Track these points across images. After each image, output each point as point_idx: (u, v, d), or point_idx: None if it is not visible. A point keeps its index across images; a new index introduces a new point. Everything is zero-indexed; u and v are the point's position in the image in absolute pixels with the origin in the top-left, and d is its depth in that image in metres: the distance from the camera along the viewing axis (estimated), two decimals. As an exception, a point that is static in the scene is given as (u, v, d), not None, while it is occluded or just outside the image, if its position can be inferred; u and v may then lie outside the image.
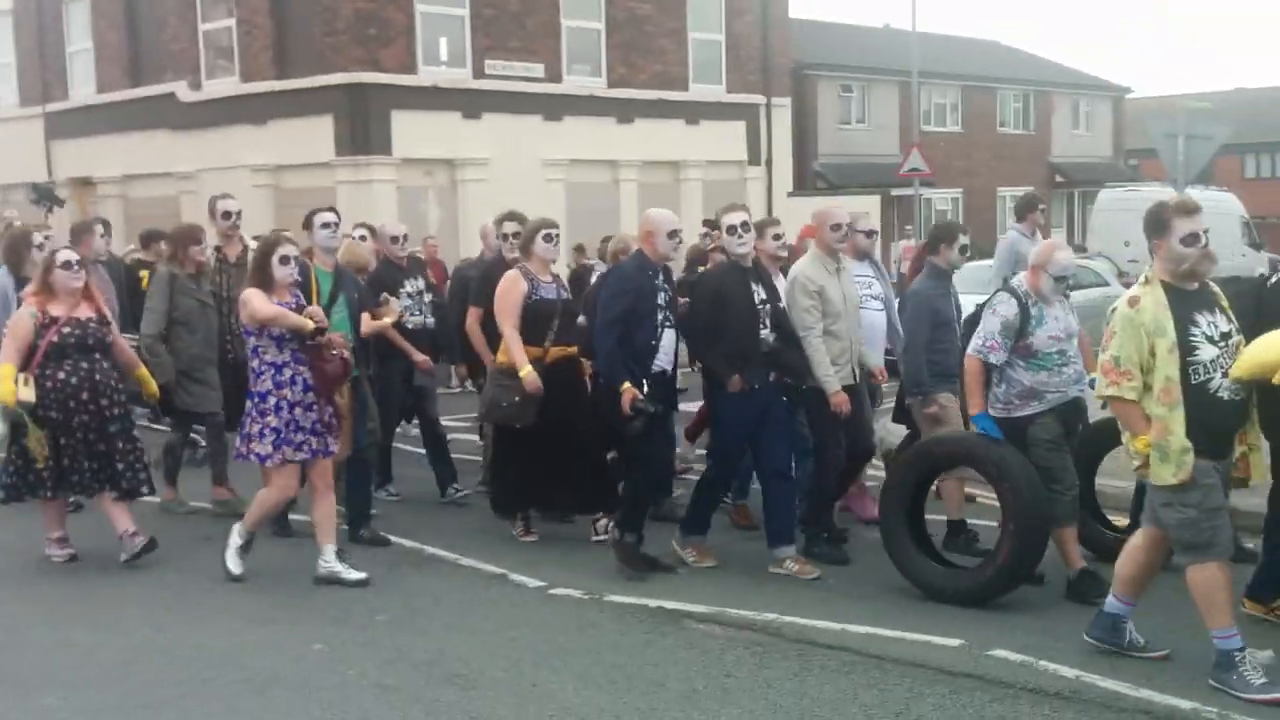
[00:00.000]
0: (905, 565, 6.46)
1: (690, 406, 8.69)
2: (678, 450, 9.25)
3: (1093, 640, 5.48)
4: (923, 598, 6.35)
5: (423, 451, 9.05)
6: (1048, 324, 6.28)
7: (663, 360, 6.80)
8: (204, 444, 8.56)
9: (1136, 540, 5.38)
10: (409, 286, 8.46)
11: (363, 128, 20.02)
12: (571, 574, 6.83)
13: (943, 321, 7.40)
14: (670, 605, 6.25)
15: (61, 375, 6.82)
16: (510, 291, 7.25)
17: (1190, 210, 5.15)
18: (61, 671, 5.46)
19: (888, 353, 7.82)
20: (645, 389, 6.57)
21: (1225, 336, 5.11)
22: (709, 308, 6.85)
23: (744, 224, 6.84)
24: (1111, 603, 5.44)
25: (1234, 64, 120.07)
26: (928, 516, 6.73)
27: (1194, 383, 5.00)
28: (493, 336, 7.62)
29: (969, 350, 6.37)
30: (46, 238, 8.65)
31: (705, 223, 10.43)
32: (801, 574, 6.77)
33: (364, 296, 7.68)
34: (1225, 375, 5.04)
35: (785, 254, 7.52)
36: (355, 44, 20.08)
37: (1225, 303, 5.25)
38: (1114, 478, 7.16)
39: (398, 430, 9.11)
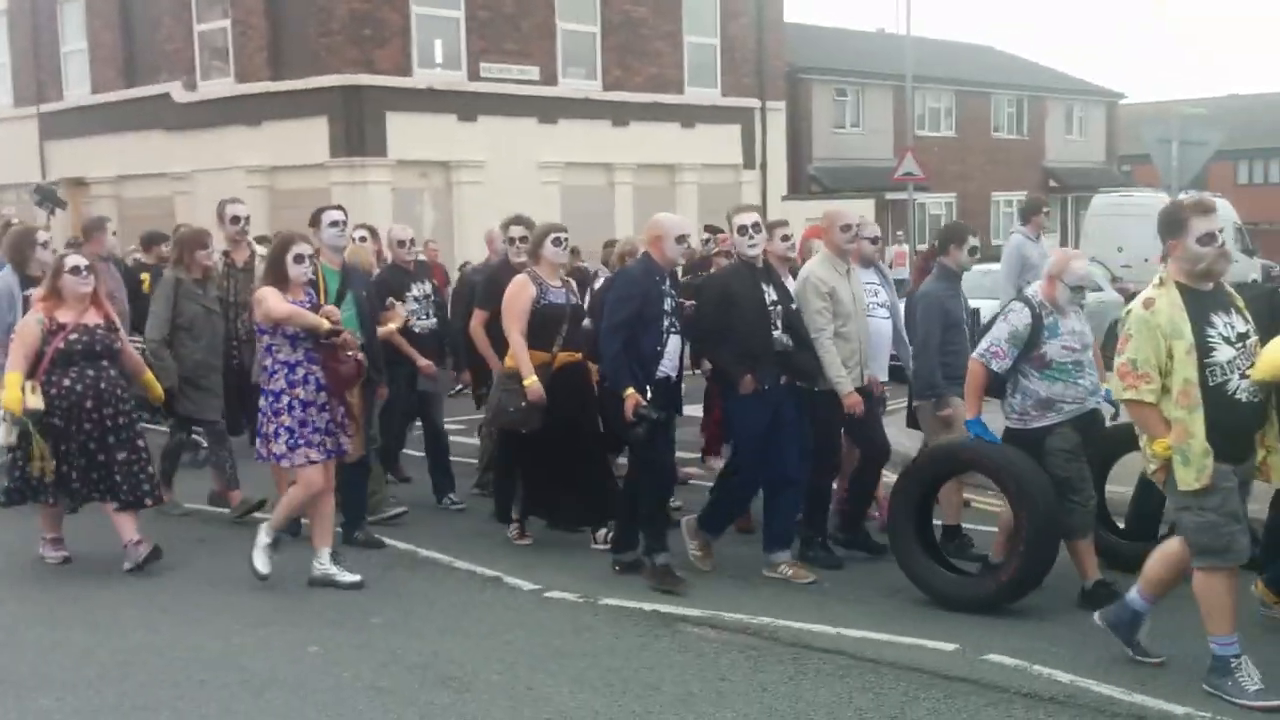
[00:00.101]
0: (914, 571, 6.43)
1: (693, 410, 8.68)
2: (698, 469, 9.29)
3: (1105, 624, 5.45)
4: (917, 601, 6.36)
5: (422, 454, 9.06)
6: (1062, 335, 6.21)
7: (667, 366, 6.75)
8: (205, 445, 8.53)
9: (1174, 546, 5.27)
10: (415, 290, 8.45)
11: (357, 129, 20.02)
12: (567, 577, 6.83)
13: (953, 323, 7.38)
14: (665, 609, 6.25)
15: (67, 383, 6.77)
16: (518, 296, 7.21)
17: (1207, 209, 5.08)
18: (58, 673, 5.45)
19: (893, 358, 7.79)
20: (649, 395, 6.54)
21: (1242, 337, 5.04)
22: (717, 308, 6.82)
23: (755, 224, 6.82)
24: (1135, 598, 5.38)
25: (1228, 70, 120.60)
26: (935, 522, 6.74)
27: (1212, 384, 4.93)
28: (498, 340, 7.57)
29: (973, 354, 6.34)
30: (44, 242, 8.63)
31: (707, 228, 10.42)
32: (796, 579, 6.78)
33: (371, 298, 7.67)
34: (1243, 376, 4.98)
35: (793, 254, 7.51)
36: (350, 45, 20.09)
37: (1241, 303, 5.19)
38: (1117, 483, 7.15)
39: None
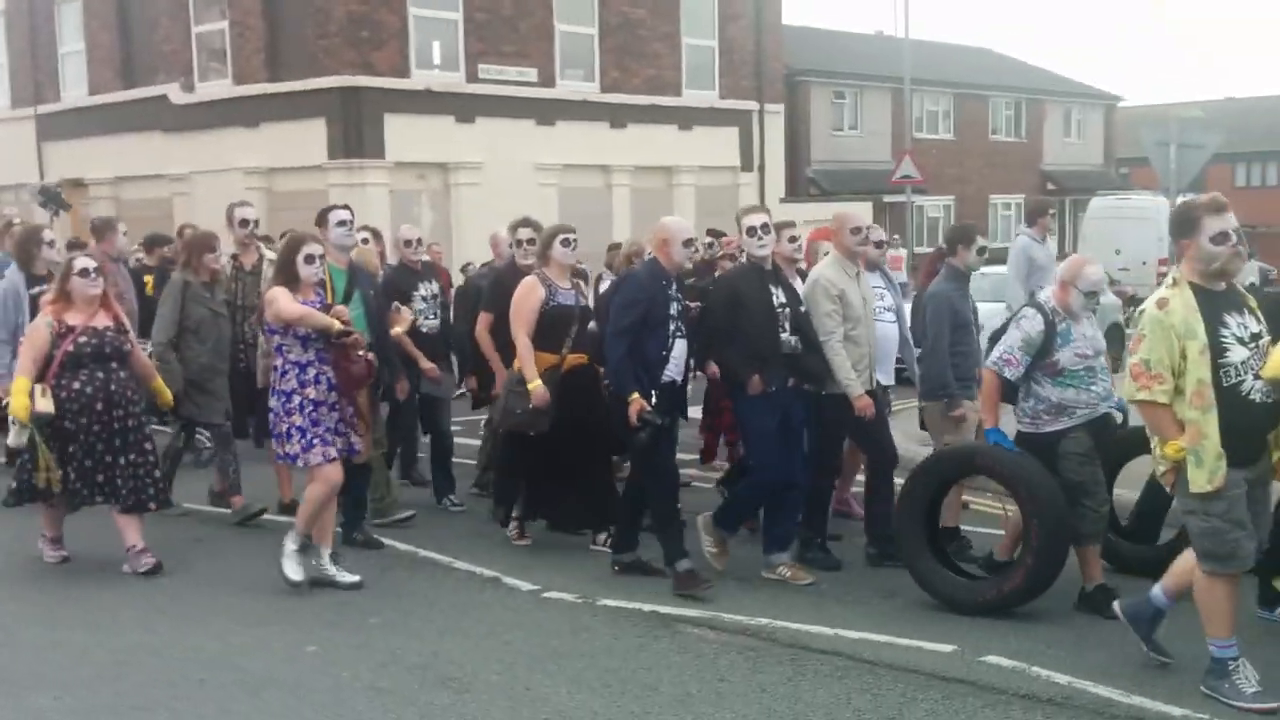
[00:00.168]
0: (921, 574, 6.40)
1: (694, 411, 8.65)
2: (697, 471, 9.28)
3: (1125, 618, 5.43)
4: (915, 603, 6.36)
5: (422, 455, 9.05)
6: (1075, 341, 6.17)
7: (673, 371, 6.72)
8: (208, 445, 8.50)
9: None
10: (423, 290, 8.46)
11: (355, 131, 20.02)
12: (565, 578, 6.83)
13: (961, 323, 7.37)
14: (664, 610, 6.25)
15: (76, 385, 6.74)
16: (527, 298, 7.17)
17: (1220, 208, 5.03)
18: (54, 672, 5.45)
19: (899, 362, 7.77)
20: (653, 400, 6.51)
21: (1255, 338, 5.01)
22: (725, 310, 6.81)
23: (764, 225, 6.79)
24: (1158, 595, 5.35)
25: (1226, 72, 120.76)
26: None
27: (1225, 385, 4.89)
28: (505, 343, 7.53)
29: (986, 363, 6.28)
30: (50, 241, 8.62)
31: (709, 231, 10.41)
32: (795, 580, 6.77)
33: (378, 298, 7.66)
34: (1257, 377, 4.94)
35: (800, 256, 7.50)
36: (348, 47, 20.08)
37: (1253, 303, 5.16)
38: (1121, 486, 7.14)
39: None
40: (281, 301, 6.44)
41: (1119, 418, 6.39)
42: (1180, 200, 15.08)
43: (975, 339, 7.41)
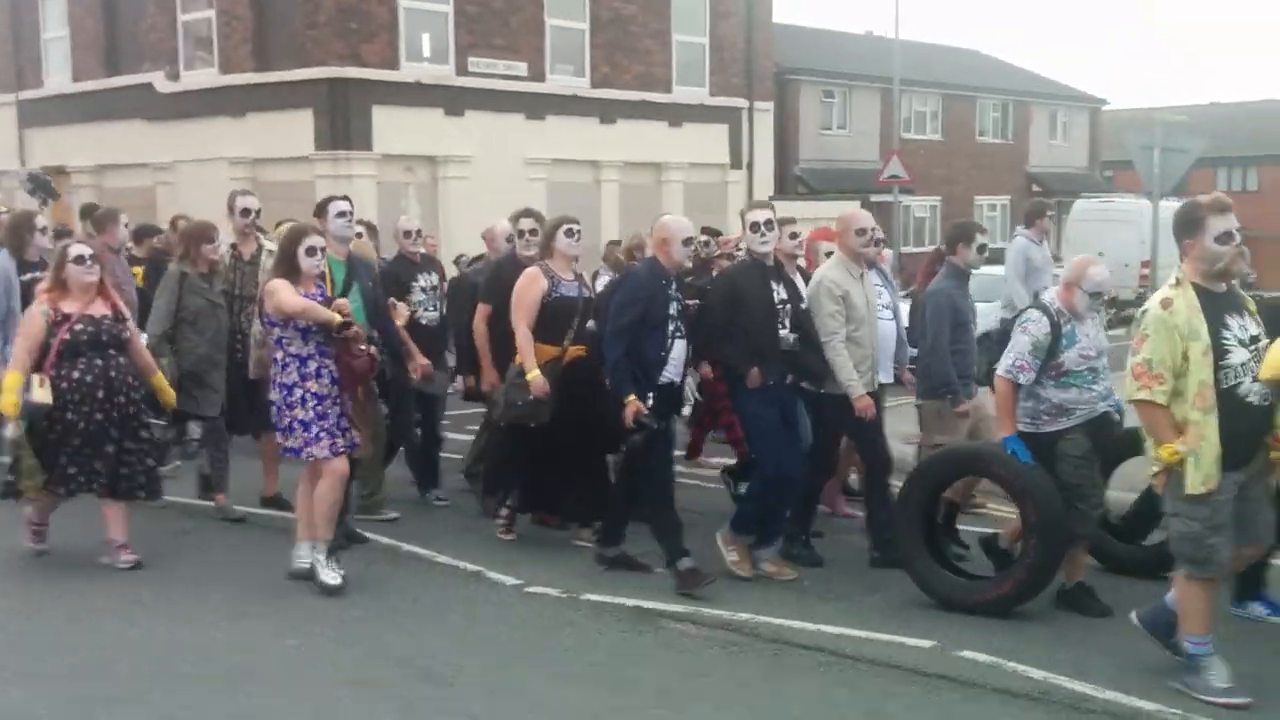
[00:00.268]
0: (918, 573, 6.40)
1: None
2: (682, 468, 9.26)
3: (1143, 626, 5.41)
4: (895, 599, 6.39)
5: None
6: (1080, 342, 6.17)
7: (671, 372, 6.69)
8: (195, 438, 8.44)
9: None
10: (423, 281, 8.42)
11: (343, 122, 19.95)
12: (549, 573, 6.83)
13: (961, 321, 7.39)
14: (647, 605, 6.26)
15: (76, 374, 6.66)
16: (529, 289, 7.12)
17: (1224, 208, 5.03)
18: (32, 664, 5.43)
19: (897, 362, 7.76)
20: (651, 401, 6.48)
21: (1255, 340, 5.03)
22: (725, 305, 6.80)
23: (768, 222, 6.79)
24: (1174, 600, 5.33)
25: (1211, 76, 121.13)
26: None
27: (1224, 387, 4.91)
28: (503, 335, 7.45)
29: (999, 371, 6.23)
30: (43, 228, 8.55)
31: (704, 230, 10.40)
32: (778, 576, 6.80)
33: (377, 290, 7.62)
34: (1255, 379, 4.96)
35: (801, 253, 7.50)
36: (336, 38, 20.01)
37: (1252, 306, 5.17)
38: (1114, 487, 7.18)
39: None
40: (283, 294, 6.37)
41: (1118, 418, 6.42)
42: (1167, 203, 15.21)
43: (973, 337, 7.42)
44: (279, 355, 6.51)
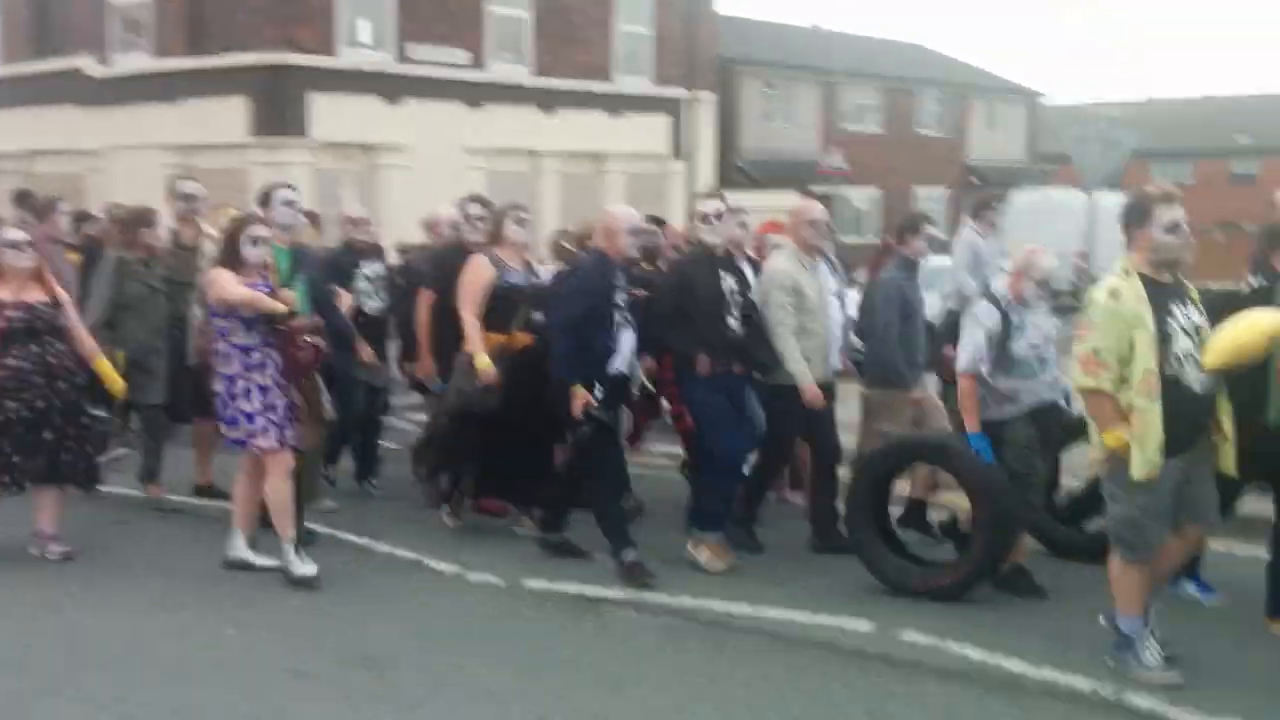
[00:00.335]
0: (870, 560, 6.41)
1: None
2: None
3: (1113, 625, 5.30)
4: (835, 583, 6.42)
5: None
6: (1028, 331, 6.23)
7: (620, 363, 6.65)
8: (133, 428, 8.28)
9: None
10: (367, 270, 8.31)
11: (278, 109, 19.72)
12: (489, 560, 6.79)
13: (910, 312, 7.42)
14: (589, 591, 6.25)
15: (13, 362, 6.50)
16: (476, 277, 7.06)
17: (1173, 199, 5.09)
18: (-41, 655, 5.31)
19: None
20: (599, 394, 6.46)
21: (1198, 329, 5.09)
22: (675, 295, 6.79)
23: (718, 212, 6.80)
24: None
25: (1150, 72, 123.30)
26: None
27: (1168, 374, 4.96)
28: (446, 323, 7.38)
29: (960, 368, 6.27)
30: None
31: (650, 219, 10.35)
32: (714, 560, 6.76)
33: (322, 279, 7.52)
34: (1198, 368, 5.03)
35: (751, 243, 7.50)
36: (273, 23, 19.77)
37: (1195, 295, 5.23)
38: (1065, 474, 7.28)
39: None
40: (226, 284, 6.24)
41: (1065, 406, 6.48)
42: (1103, 195, 15.47)
43: (922, 327, 7.46)
44: (222, 346, 6.39)
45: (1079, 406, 5.50)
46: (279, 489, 6.41)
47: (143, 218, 7.88)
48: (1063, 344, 6.28)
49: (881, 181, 35.58)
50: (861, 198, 34.87)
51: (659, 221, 10.07)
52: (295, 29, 19.85)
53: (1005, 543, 6.16)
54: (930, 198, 35.96)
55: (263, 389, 6.35)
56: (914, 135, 38.04)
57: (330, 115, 19.96)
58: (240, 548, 6.58)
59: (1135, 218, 5.11)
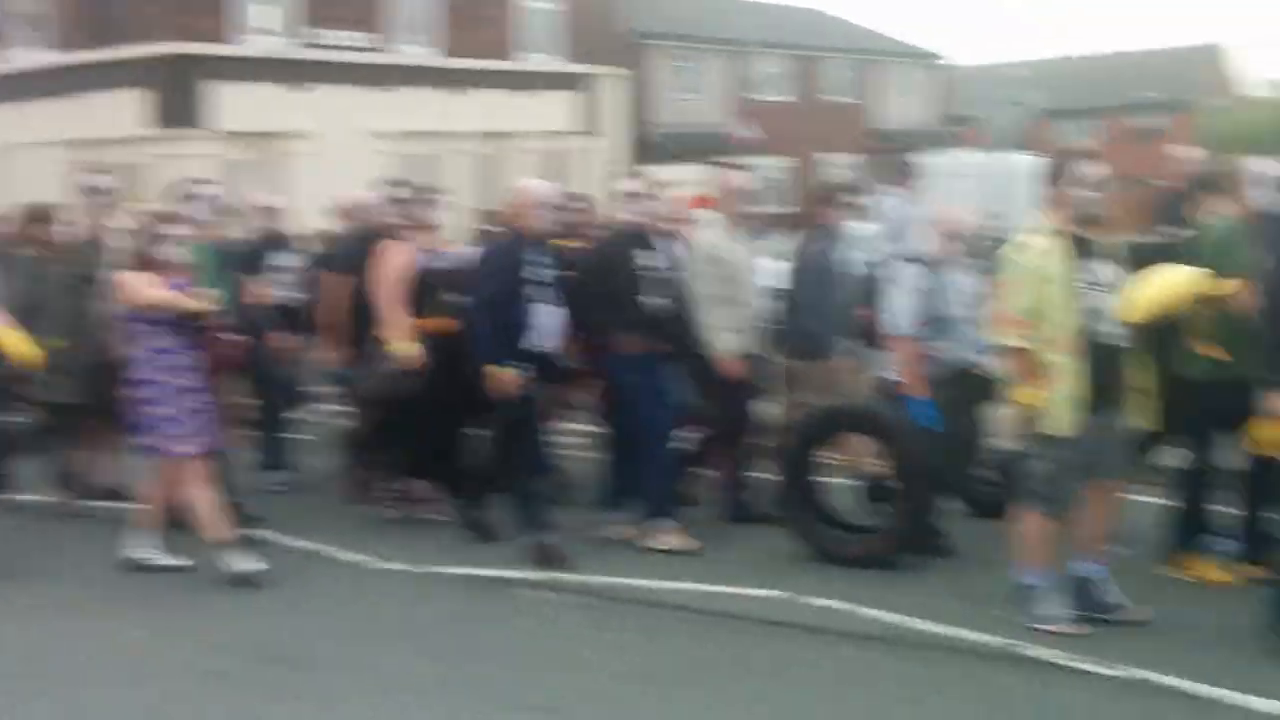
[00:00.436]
0: (800, 529, 6.45)
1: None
2: None
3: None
4: (748, 555, 6.48)
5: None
6: (953, 292, 6.32)
7: (541, 338, 6.62)
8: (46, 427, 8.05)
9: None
10: (283, 260, 8.18)
11: (181, 100, 19.34)
12: (403, 549, 6.74)
13: (832, 282, 7.46)
14: (505, 574, 6.25)
15: None
16: (394, 261, 6.99)
17: (1092, 156, 5.20)
18: None
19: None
20: (520, 371, 6.43)
21: (1114, 285, 5.18)
22: (596, 274, 6.78)
23: (638, 190, 6.80)
24: (1077, 566, 5.37)
25: (1059, 32, 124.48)
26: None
27: (1086, 330, 5.06)
28: (363, 309, 7.25)
29: (895, 332, 6.32)
30: None
31: (569, 195, 10.28)
32: (630, 537, 6.76)
33: (238, 272, 7.42)
34: (1117, 324, 5.12)
35: (673, 219, 7.48)
36: (173, 12, 19.35)
37: (1115, 251, 5.33)
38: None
39: None
40: (136, 285, 6.08)
41: (986, 365, 6.57)
42: (1009, 155, 15.75)
43: (844, 297, 7.51)
44: (135, 349, 6.23)
45: (998, 365, 5.59)
46: (199, 497, 6.25)
47: (40, 214, 7.69)
48: (981, 303, 6.39)
49: (793, 150, 35.77)
50: (773, 166, 35.04)
51: (579, 197, 10.03)
52: (195, 18, 19.45)
53: (930, 505, 6.28)
54: (841, 164, 36.21)
55: (180, 392, 6.21)
56: (823, 102, 38.27)
57: (234, 104, 19.63)
58: (143, 548, 6.44)
59: (1057, 175, 5.22)
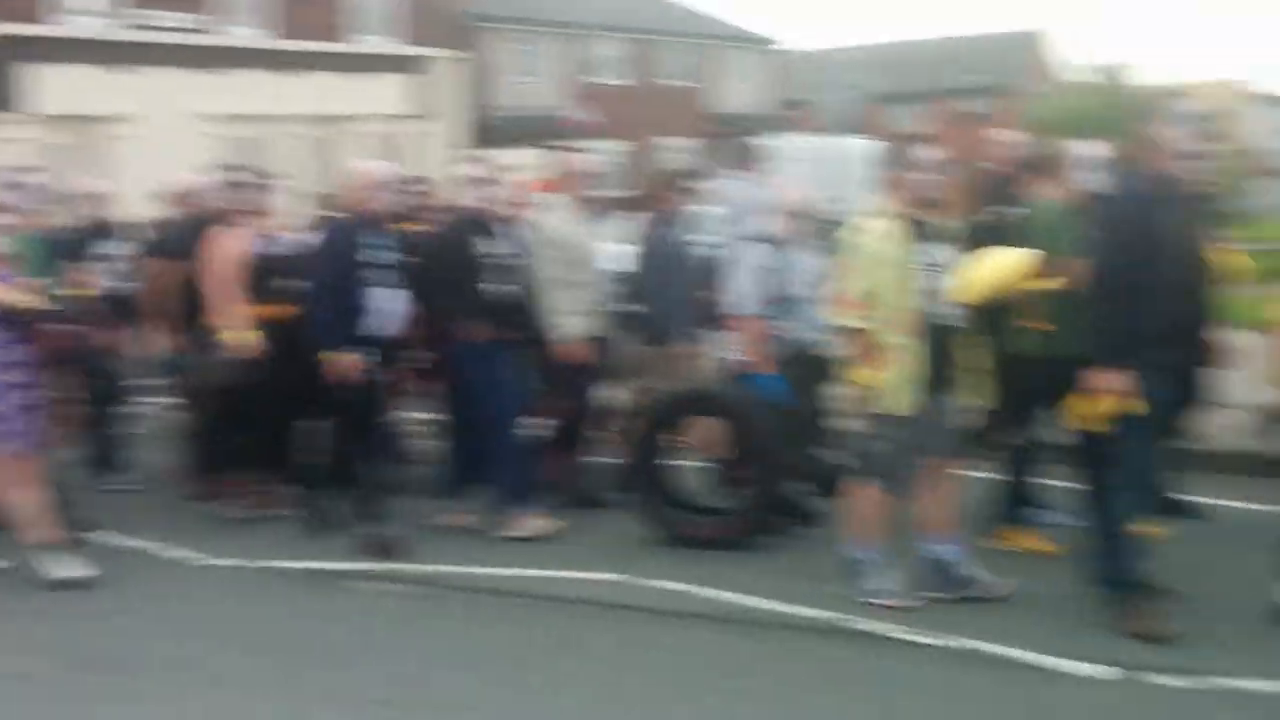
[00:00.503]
0: (651, 513, 6.47)
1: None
2: None
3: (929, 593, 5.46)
4: (585, 540, 6.50)
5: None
6: (797, 271, 6.40)
7: (381, 323, 6.51)
8: None
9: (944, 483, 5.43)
10: (110, 249, 7.82)
11: (-6, 82, 18.38)
12: (234, 544, 6.57)
13: (676, 266, 7.47)
14: (341, 566, 6.16)
15: None
16: (229, 247, 6.79)
17: (930, 140, 5.36)
18: None
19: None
20: (361, 355, 6.32)
21: (950, 266, 5.32)
22: (437, 259, 6.70)
23: (479, 176, 6.75)
24: (933, 549, 5.44)
25: (892, 17, 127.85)
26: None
27: (923, 311, 5.18)
28: (194, 297, 7.04)
29: (741, 311, 6.35)
30: None
31: (409, 178, 10.08)
32: (540, 531, 6.66)
33: (67, 262, 7.12)
34: (953, 305, 5.26)
35: (514, 204, 7.39)
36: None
37: (952, 233, 5.47)
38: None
39: None
40: None
41: (826, 345, 6.68)
42: (843, 139, 16.09)
43: (690, 281, 7.56)
44: None
45: (837, 345, 5.70)
46: (27, 495, 5.97)
47: None
48: (819, 284, 6.50)
49: (631, 133, 35.93)
50: (611, 150, 35.15)
51: (418, 180, 9.87)
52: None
53: (779, 484, 6.39)
54: (679, 148, 36.52)
55: (8, 388, 5.90)
56: (660, 86, 38.54)
57: (53, 87, 18.75)
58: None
59: (896, 160, 5.37)
